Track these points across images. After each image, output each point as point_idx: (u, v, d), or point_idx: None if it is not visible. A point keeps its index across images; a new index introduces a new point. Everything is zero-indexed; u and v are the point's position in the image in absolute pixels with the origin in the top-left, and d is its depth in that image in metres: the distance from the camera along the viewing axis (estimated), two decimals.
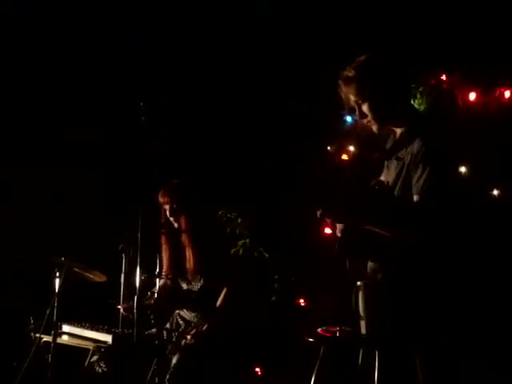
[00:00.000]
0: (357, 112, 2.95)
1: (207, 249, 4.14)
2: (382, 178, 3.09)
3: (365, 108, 2.91)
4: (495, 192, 4.99)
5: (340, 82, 2.95)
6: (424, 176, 2.73)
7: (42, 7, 5.43)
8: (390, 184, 2.92)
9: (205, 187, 4.54)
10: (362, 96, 2.89)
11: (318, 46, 5.21)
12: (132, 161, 3.91)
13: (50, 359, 3.95)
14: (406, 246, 2.80)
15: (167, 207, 4.22)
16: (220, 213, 5.33)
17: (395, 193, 2.86)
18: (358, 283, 3.70)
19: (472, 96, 5.08)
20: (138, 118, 3.72)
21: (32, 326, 4.15)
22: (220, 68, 5.63)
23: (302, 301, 5.39)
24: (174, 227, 4.25)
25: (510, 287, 4.70)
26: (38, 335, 4.04)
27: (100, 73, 5.55)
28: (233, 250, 5.18)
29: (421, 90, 5.19)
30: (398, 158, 2.90)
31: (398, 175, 2.87)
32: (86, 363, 4.09)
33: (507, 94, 4.97)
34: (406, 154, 2.84)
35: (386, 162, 3.06)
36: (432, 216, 2.71)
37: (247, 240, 5.48)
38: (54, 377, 3.95)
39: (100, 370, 4.00)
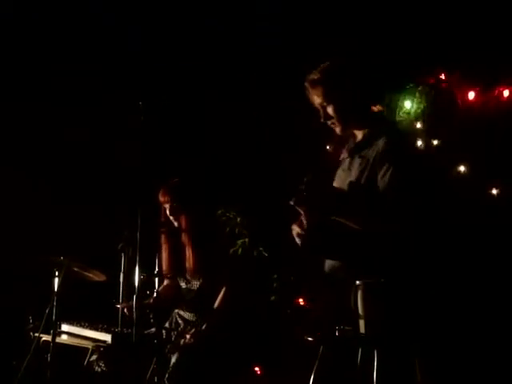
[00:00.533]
0: (321, 114, 3.03)
1: (207, 248, 4.14)
2: (341, 175, 3.14)
3: (329, 110, 3.00)
4: (494, 191, 5.00)
5: (306, 84, 3.04)
6: (390, 171, 2.80)
7: (41, 7, 5.43)
8: (353, 181, 2.97)
9: (204, 186, 4.54)
10: (327, 98, 2.98)
11: (318, 46, 5.21)
12: (131, 160, 3.91)
13: (49, 358, 3.95)
14: (379, 242, 2.84)
15: (167, 206, 4.22)
16: (219, 212, 5.33)
17: (360, 187, 2.91)
18: (357, 282, 3.70)
19: (471, 95, 5.08)
20: (137, 118, 3.72)
21: (31, 326, 4.15)
22: (220, 68, 5.63)
23: (301, 300, 5.39)
24: (174, 226, 4.25)
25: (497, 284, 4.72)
26: (37, 334, 4.03)
27: (99, 72, 5.55)
28: (232, 250, 5.18)
29: (420, 89, 5.20)
30: (361, 157, 2.97)
31: (361, 172, 2.93)
32: (86, 362, 4.09)
33: (506, 93, 4.98)
34: (371, 151, 2.92)
35: (347, 161, 3.11)
36: (397, 208, 2.76)
37: (246, 239, 5.48)
38: (54, 376, 3.95)
39: (99, 370, 4.00)
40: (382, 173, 2.84)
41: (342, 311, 3.21)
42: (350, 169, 3.06)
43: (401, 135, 3.05)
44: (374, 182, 2.86)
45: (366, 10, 5.27)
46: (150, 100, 3.74)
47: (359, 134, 3.08)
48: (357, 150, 3.04)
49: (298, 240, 3.00)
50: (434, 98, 5.19)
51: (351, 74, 3.01)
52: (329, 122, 3.05)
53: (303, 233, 2.95)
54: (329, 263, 3.04)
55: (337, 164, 3.22)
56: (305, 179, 2.85)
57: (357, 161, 3.00)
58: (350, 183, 2.98)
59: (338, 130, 3.06)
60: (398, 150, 2.87)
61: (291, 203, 2.88)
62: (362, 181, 2.92)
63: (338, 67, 3.02)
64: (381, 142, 2.90)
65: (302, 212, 2.93)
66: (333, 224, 2.89)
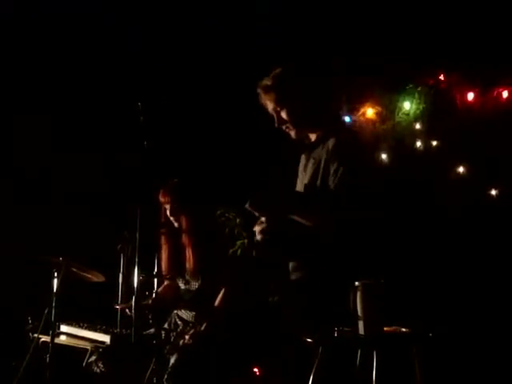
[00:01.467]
0: (275, 118, 3.09)
1: (207, 249, 4.14)
2: (300, 177, 3.20)
3: (283, 115, 3.08)
4: (493, 192, 5.00)
5: (259, 90, 3.11)
6: (339, 170, 2.87)
7: (41, 7, 5.42)
8: (308, 182, 3.04)
9: (204, 187, 4.54)
10: (280, 104, 3.06)
11: (318, 46, 5.21)
12: (131, 160, 3.91)
13: (48, 359, 3.94)
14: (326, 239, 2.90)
15: (167, 207, 4.22)
16: (219, 212, 5.32)
17: (313, 187, 2.99)
18: (356, 283, 3.71)
19: (470, 96, 5.09)
20: (137, 118, 3.72)
21: (30, 326, 4.14)
22: (219, 68, 5.62)
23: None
24: (174, 227, 4.25)
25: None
26: (36, 335, 4.03)
27: (99, 72, 5.55)
28: (231, 250, 5.17)
29: (419, 90, 5.20)
30: (313, 158, 3.06)
31: (314, 173, 3.01)
32: (84, 363, 4.08)
33: (505, 94, 4.99)
34: (322, 152, 2.99)
35: (303, 163, 3.18)
36: (345, 204, 2.82)
37: (245, 240, 5.47)
38: (52, 377, 3.95)
39: (98, 370, 3.99)
40: (332, 172, 2.90)
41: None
42: (305, 171, 3.13)
43: (350, 134, 3.12)
44: (327, 181, 2.92)
45: (366, 10, 5.27)
46: (150, 100, 3.74)
47: (313, 137, 3.15)
48: (310, 151, 3.11)
49: (259, 238, 3.03)
50: (433, 99, 5.20)
51: (301, 80, 3.07)
52: (283, 127, 3.11)
53: (263, 237, 2.99)
54: (291, 264, 3.08)
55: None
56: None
57: (311, 162, 3.08)
58: (305, 185, 3.06)
59: (292, 133, 3.13)
60: (346, 149, 2.93)
61: (247, 207, 2.91)
62: (317, 181, 2.98)
63: (289, 73, 3.09)
64: (331, 142, 2.97)
65: (259, 215, 2.96)
66: (289, 227, 2.93)
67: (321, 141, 3.06)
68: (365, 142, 3.20)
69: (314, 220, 2.89)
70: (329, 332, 3.12)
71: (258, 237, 3.05)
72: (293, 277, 3.07)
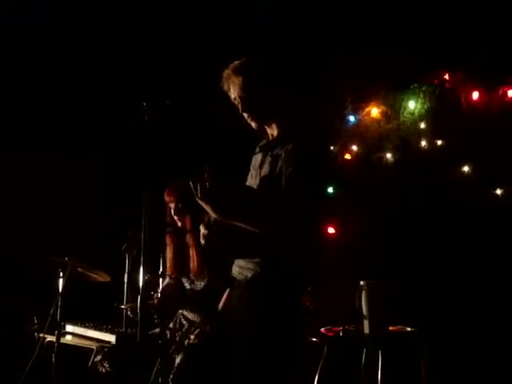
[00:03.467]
0: (240, 105, 3.05)
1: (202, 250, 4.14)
2: (252, 173, 3.17)
3: (247, 103, 3.02)
4: (498, 191, 5.00)
5: (227, 72, 3.06)
6: (290, 170, 2.85)
7: (43, 6, 5.42)
8: (264, 178, 3.00)
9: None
10: (246, 89, 3.01)
11: (318, 47, 5.21)
12: (135, 161, 3.91)
13: (53, 359, 3.96)
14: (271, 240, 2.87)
15: (172, 206, 4.23)
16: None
17: (268, 186, 2.95)
18: (361, 283, 3.71)
19: (475, 95, 5.08)
20: (141, 118, 3.72)
21: (36, 326, 4.15)
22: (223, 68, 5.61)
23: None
24: (179, 226, 4.25)
25: None
26: (41, 335, 4.04)
27: (103, 73, 5.55)
28: None
29: (424, 89, 5.19)
30: (272, 156, 3.01)
31: (271, 169, 2.96)
32: (90, 363, 4.08)
33: (510, 93, 4.97)
34: (282, 151, 2.94)
35: (259, 158, 3.13)
36: (291, 206, 2.79)
37: None
38: (58, 376, 3.96)
39: (103, 370, 4.00)
40: (284, 172, 2.88)
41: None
42: (260, 167, 3.08)
43: (310, 137, 3.04)
44: (280, 180, 2.89)
45: (372, 9, 5.26)
46: (154, 100, 3.74)
47: (273, 132, 3.10)
48: (269, 148, 3.06)
49: (202, 240, 3.02)
50: (439, 98, 5.20)
51: (264, 73, 3.04)
52: (246, 115, 3.08)
53: (206, 232, 2.98)
54: (237, 264, 3.05)
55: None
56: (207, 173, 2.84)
57: (268, 159, 3.03)
58: (261, 179, 3.01)
59: (253, 124, 3.09)
60: (303, 152, 2.90)
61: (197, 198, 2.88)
62: (272, 179, 2.94)
63: (259, 62, 3.06)
64: (290, 144, 2.93)
65: (205, 208, 2.91)
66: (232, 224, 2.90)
67: (281, 139, 3.02)
68: (324, 146, 3.19)
69: (254, 223, 2.85)
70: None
71: (201, 240, 3.04)
72: (237, 276, 3.03)
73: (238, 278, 3.00)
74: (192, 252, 4.20)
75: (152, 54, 5.63)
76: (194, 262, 4.19)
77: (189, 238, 4.21)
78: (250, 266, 2.94)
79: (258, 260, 2.92)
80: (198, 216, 4.13)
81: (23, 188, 5.34)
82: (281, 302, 2.85)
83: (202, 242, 3.03)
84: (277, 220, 2.81)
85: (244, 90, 3.02)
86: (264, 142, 3.17)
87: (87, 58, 5.59)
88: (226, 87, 3.08)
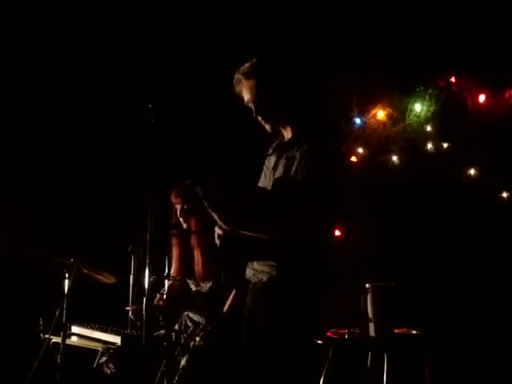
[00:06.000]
0: (253, 108, 3.00)
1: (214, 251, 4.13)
2: (266, 174, 3.14)
3: (261, 106, 2.97)
4: (505, 194, 4.99)
5: (238, 76, 3.01)
6: (303, 174, 2.83)
7: (46, 6, 5.43)
8: (277, 180, 2.98)
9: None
10: (260, 92, 2.95)
11: (325, 49, 5.21)
12: (142, 162, 3.92)
13: (59, 360, 3.96)
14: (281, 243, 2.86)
15: (178, 207, 4.23)
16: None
17: (281, 188, 2.92)
18: (367, 285, 3.70)
19: (481, 98, 5.07)
20: (147, 119, 3.72)
21: (41, 327, 4.15)
22: (229, 68, 5.61)
23: None
24: (184, 228, 4.25)
25: None
26: (47, 336, 4.05)
27: (109, 74, 5.55)
28: None
29: (430, 91, 5.19)
30: (287, 158, 2.97)
31: (286, 171, 2.93)
32: (95, 364, 4.09)
33: None
34: (297, 153, 2.91)
35: (272, 160, 3.11)
36: (304, 211, 2.78)
37: None
38: (63, 378, 3.96)
39: (109, 372, 4.00)
40: (299, 174, 2.86)
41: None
42: (274, 168, 3.05)
43: (325, 140, 3.01)
44: (294, 180, 2.87)
45: (377, 11, 5.25)
46: (160, 101, 3.74)
47: (288, 134, 3.07)
48: (284, 150, 3.03)
49: (216, 241, 3.01)
50: (445, 101, 5.19)
51: (283, 70, 3.01)
52: (259, 118, 3.02)
53: (222, 234, 2.97)
54: (252, 267, 3.04)
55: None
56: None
57: (282, 161, 3.00)
58: (274, 181, 2.99)
59: (267, 127, 3.04)
60: (317, 154, 2.87)
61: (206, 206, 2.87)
62: (287, 180, 2.91)
63: (270, 64, 3.01)
64: (305, 145, 2.90)
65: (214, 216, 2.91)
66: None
67: (296, 141, 2.98)
68: (338, 148, 3.13)
69: (268, 232, 2.85)
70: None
71: (217, 241, 3.04)
72: (252, 278, 3.02)
73: (253, 281, 3.00)
74: (197, 254, 4.20)
75: (157, 55, 5.63)
76: (198, 265, 4.19)
77: (194, 240, 4.21)
78: (266, 269, 2.93)
79: (273, 263, 2.91)
80: (204, 218, 4.16)
81: (28, 189, 5.34)
82: (299, 305, 2.85)
83: (217, 242, 3.02)
84: (289, 228, 2.80)
85: (256, 93, 2.96)
86: (277, 142, 3.15)
87: (92, 59, 5.59)
88: (237, 90, 3.03)
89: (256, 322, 2.94)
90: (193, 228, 4.19)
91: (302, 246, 2.84)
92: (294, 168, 2.90)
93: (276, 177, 3.00)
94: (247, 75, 2.97)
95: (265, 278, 2.92)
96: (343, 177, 2.99)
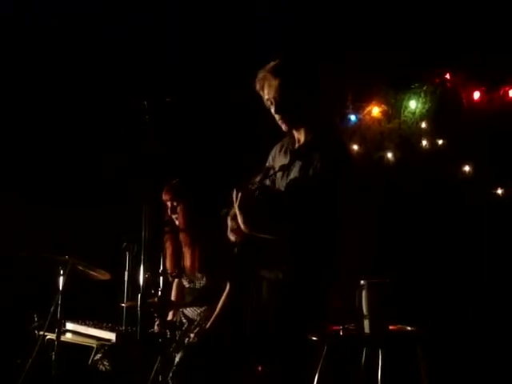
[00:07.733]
0: (274, 106, 3.01)
1: (205, 247, 4.14)
2: (279, 177, 3.14)
3: (281, 105, 2.98)
4: (499, 191, 5.00)
5: (264, 74, 3.01)
6: (314, 176, 2.88)
7: (44, 5, 5.42)
8: (293, 181, 2.99)
9: (209, 186, 4.53)
10: (283, 91, 2.96)
11: (319, 47, 5.21)
12: (136, 159, 3.91)
13: (53, 357, 3.96)
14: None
15: (169, 204, 4.24)
16: (224, 211, 5.31)
17: (298, 191, 2.94)
18: (362, 282, 3.71)
19: (476, 95, 5.08)
20: (142, 117, 3.72)
21: (36, 324, 4.15)
22: (225, 66, 5.61)
23: None
24: (176, 225, 4.25)
25: None
26: (41, 333, 4.04)
27: (104, 72, 5.55)
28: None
29: (425, 88, 5.19)
30: (304, 160, 2.98)
31: (303, 175, 2.95)
32: (90, 361, 4.09)
33: (511, 92, 4.98)
34: (314, 157, 2.93)
35: (283, 158, 3.13)
36: (320, 210, 2.84)
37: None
38: (58, 374, 3.96)
39: (103, 368, 4.00)
40: (316, 176, 2.89)
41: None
42: (288, 168, 3.06)
43: (340, 148, 3.04)
44: (312, 186, 2.90)
45: (373, 8, 5.26)
46: (155, 99, 3.74)
47: (300, 136, 3.08)
48: (298, 154, 3.04)
49: (229, 235, 3.08)
50: (439, 98, 5.20)
51: (308, 69, 3.04)
52: (277, 117, 3.04)
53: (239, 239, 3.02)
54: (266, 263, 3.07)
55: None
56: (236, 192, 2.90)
57: (298, 163, 3.01)
58: (289, 182, 3.00)
59: (283, 126, 3.06)
60: (334, 158, 2.91)
61: (226, 216, 2.92)
62: (302, 184, 2.93)
63: (295, 61, 3.04)
64: (322, 148, 2.93)
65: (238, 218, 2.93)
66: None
67: (311, 146, 3.00)
68: (349, 154, 3.17)
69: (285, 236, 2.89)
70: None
71: (231, 236, 3.06)
72: (266, 276, 3.04)
73: (267, 278, 3.01)
74: (186, 250, 4.21)
75: (152, 53, 5.63)
76: (187, 261, 4.20)
77: (183, 237, 4.22)
78: (280, 266, 2.96)
79: (287, 260, 2.93)
80: (192, 215, 4.17)
81: (23, 186, 5.34)
82: (314, 301, 2.90)
83: (231, 236, 3.04)
84: (306, 232, 2.86)
85: (281, 92, 2.97)
86: (285, 140, 3.16)
87: (87, 57, 5.58)
88: (258, 87, 3.04)
89: (270, 318, 2.98)
90: (181, 224, 4.20)
91: (315, 246, 2.89)
92: (310, 171, 2.92)
93: (291, 178, 3.01)
94: (274, 73, 2.98)
95: (280, 276, 2.95)
96: (353, 181, 3.03)
